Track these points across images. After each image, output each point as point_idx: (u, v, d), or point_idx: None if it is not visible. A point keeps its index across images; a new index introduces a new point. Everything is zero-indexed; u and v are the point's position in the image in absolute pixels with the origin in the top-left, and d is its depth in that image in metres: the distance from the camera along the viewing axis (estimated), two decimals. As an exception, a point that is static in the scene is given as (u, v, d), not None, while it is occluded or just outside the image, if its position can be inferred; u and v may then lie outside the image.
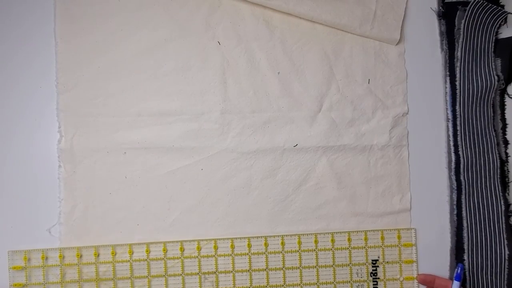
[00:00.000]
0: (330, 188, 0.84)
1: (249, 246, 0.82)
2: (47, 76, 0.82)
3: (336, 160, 0.84)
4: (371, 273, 0.83)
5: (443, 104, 0.85)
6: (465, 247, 0.82)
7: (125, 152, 0.82)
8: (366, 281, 0.83)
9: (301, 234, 0.83)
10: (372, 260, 0.83)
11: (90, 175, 0.81)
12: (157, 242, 0.81)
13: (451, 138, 0.84)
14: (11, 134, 0.82)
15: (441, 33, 0.86)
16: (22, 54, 0.82)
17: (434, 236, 0.84)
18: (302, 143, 0.83)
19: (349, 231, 0.83)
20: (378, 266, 0.83)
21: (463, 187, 0.83)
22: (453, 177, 0.83)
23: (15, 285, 0.80)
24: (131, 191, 0.82)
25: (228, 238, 0.82)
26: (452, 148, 0.84)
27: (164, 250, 0.81)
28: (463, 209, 0.83)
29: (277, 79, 0.83)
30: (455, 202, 0.83)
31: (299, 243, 0.83)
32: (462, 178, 0.83)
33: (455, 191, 0.83)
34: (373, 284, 0.83)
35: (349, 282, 0.83)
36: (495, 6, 0.83)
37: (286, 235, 0.83)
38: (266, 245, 0.83)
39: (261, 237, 0.83)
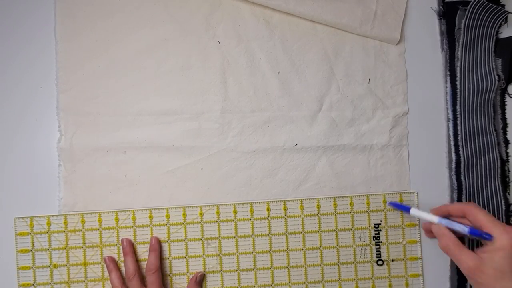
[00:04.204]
0: (330, 187, 0.83)
1: (252, 211, 0.82)
2: (47, 76, 0.82)
3: (336, 160, 0.84)
4: (373, 237, 0.83)
5: (443, 104, 0.85)
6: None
7: (125, 151, 0.82)
8: (368, 245, 0.83)
9: (303, 199, 0.83)
10: (375, 224, 0.83)
11: (90, 174, 0.81)
12: (159, 208, 0.82)
13: (452, 138, 0.84)
14: (12, 133, 0.82)
15: (441, 33, 0.85)
16: (22, 54, 0.83)
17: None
18: (302, 142, 0.83)
19: (351, 196, 0.83)
20: (380, 230, 0.83)
21: (463, 187, 0.82)
22: (454, 177, 0.83)
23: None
24: (131, 190, 0.82)
25: (230, 204, 0.82)
26: (453, 148, 0.83)
27: (167, 216, 0.82)
28: (464, 209, 0.83)
29: (277, 79, 0.83)
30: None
31: (302, 208, 0.83)
32: (462, 178, 0.82)
33: (456, 191, 0.83)
34: (376, 248, 0.83)
35: (352, 246, 0.83)
36: (495, 6, 0.82)
37: (288, 200, 0.83)
38: (269, 210, 0.82)
39: (264, 202, 0.82)
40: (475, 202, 0.82)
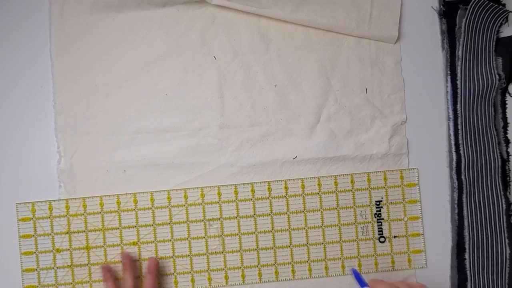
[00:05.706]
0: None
1: (253, 191, 0.83)
2: (47, 76, 0.82)
3: (336, 171, 0.84)
4: (375, 214, 0.84)
5: (444, 103, 0.85)
6: (466, 246, 0.83)
7: (124, 170, 0.82)
8: (370, 222, 0.84)
9: (304, 178, 0.83)
10: (376, 201, 0.84)
11: (91, 194, 0.82)
12: (160, 191, 0.83)
13: (452, 137, 0.84)
14: (12, 133, 0.83)
15: (442, 32, 0.84)
16: (22, 54, 0.83)
17: (435, 235, 0.85)
18: (301, 155, 0.83)
19: (351, 174, 0.84)
20: (382, 207, 0.84)
21: (464, 186, 0.83)
22: (454, 176, 0.83)
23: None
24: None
25: (231, 185, 0.83)
26: (453, 147, 0.83)
27: (168, 198, 0.83)
28: (464, 208, 0.83)
29: (275, 92, 0.83)
30: (456, 201, 0.83)
31: (303, 187, 0.84)
32: (463, 177, 0.83)
33: (456, 190, 0.83)
34: (378, 225, 0.84)
35: (354, 224, 0.84)
36: (496, 5, 0.81)
37: (289, 180, 0.83)
38: (270, 190, 0.83)
39: (265, 182, 0.83)
40: (475, 201, 0.82)
